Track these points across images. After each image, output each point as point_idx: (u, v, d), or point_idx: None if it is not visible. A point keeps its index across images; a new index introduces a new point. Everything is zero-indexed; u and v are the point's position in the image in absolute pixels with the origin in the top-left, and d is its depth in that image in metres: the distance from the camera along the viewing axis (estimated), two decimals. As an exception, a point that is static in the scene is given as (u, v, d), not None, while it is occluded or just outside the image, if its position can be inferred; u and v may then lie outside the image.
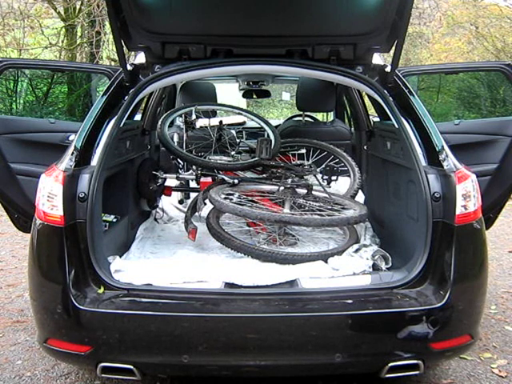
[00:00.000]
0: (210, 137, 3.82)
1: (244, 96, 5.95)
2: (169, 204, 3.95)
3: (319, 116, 5.85)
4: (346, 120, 4.85)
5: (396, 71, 2.82)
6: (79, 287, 2.28)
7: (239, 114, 4.20)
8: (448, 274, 2.30)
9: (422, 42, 16.85)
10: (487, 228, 3.08)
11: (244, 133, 4.42)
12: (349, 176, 3.77)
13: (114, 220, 3.00)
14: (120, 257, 2.72)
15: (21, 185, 3.37)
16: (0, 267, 4.72)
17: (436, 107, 5.01)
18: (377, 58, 2.96)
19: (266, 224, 3.11)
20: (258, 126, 4.11)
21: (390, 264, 2.72)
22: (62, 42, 10.90)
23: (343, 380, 2.76)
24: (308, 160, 3.85)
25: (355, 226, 3.19)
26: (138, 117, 3.76)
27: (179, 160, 3.89)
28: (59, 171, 2.35)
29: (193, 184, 3.74)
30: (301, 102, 4.30)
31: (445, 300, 2.25)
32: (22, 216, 3.47)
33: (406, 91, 2.79)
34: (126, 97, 2.72)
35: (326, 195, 3.35)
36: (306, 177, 3.62)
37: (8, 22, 10.00)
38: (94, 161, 2.45)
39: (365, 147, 3.85)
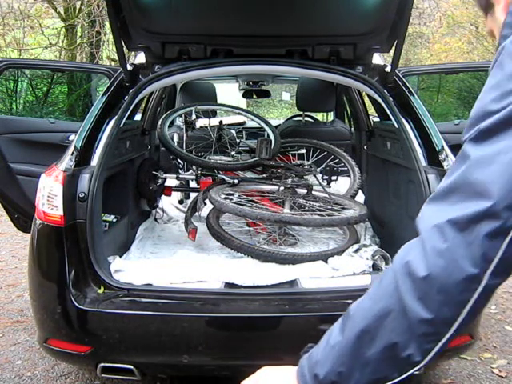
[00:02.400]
0: (209, 137, 3.82)
1: (244, 96, 5.96)
2: (169, 204, 3.95)
3: (319, 116, 5.85)
4: (346, 120, 4.85)
5: (396, 71, 2.82)
6: (79, 287, 2.28)
7: (239, 113, 4.21)
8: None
9: (422, 42, 16.88)
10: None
11: (244, 133, 4.42)
12: (349, 176, 3.76)
13: (114, 220, 3.00)
14: (120, 257, 2.72)
15: (21, 185, 3.37)
16: (0, 267, 4.73)
17: (436, 107, 5.01)
18: (377, 58, 2.96)
19: (266, 224, 3.11)
20: (257, 125, 4.12)
21: (390, 264, 2.71)
22: (62, 42, 10.91)
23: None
24: (308, 160, 3.84)
25: (355, 225, 3.19)
26: (138, 117, 3.76)
27: (179, 160, 3.89)
28: (59, 171, 2.34)
29: (193, 184, 3.74)
30: (301, 102, 4.30)
31: (445, 300, 2.24)
32: (22, 216, 3.47)
33: (406, 91, 2.78)
34: (126, 97, 2.72)
35: (326, 195, 3.35)
36: (306, 177, 3.63)
37: (8, 22, 10.01)
38: (94, 161, 2.45)
39: (365, 147, 3.85)
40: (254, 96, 5.92)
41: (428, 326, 0.78)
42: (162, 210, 3.80)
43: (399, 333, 0.79)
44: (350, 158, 3.82)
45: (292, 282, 2.45)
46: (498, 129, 0.74)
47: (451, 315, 0.78)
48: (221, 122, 3.97)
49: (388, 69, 2.85)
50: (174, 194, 3.80)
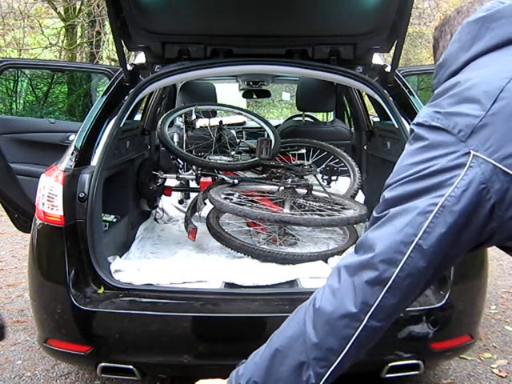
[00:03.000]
0: (210, 137, 3.83)
1: (244, 96, 5.96)
2: (169, 204, 3.95)
3: (319, 116, 5.85)
4: (346, 120, 4.85)
5: (396, 71, 2.82)
6: (79, 287, 2.28)
7: (239, 113, 4.21)
8: (448, 273, 2.29)
9: (422, 42, 16.85)
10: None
11: (244, 133, 4.42)
12: (349, 176, 3.76)
13: (114, 220, 3.00)
14: (120, 257, 2.72)
15: (21, 185, 3.37)
16: (0, 267, 4.73)
17: (436, 107, 5.00)
18: (377, 58, 2.96)
19: (266, 224, 3.11)
20: (258, 125, 4.12)
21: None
22: (62, 42, 10.91)
23: (343, 380, 2.76)
24: (308, 160, 3.85)
25: (355, 225, 3.19)
26: (138, 117, 3.76)
27: (179, 160, 3.89)
28: (59, 171, 2.34)
29: (193, 184, 3.74)
30: (301, 102, 4.30)
31: (445, 300, 2.25)
32: (22, 216, 3.47)
33: (406, 91, 2.78)
34: (126, 97, 2.72)
35: (326, 195, 3.35)
36: (305, 177, 3.62)
37: (8, 22, 10.02)
38: (94, 161, 2.45)
39: (365, 147, 3.85)
40: (254, 96, 5.93)
41: (317, 351, 0.90)
42: (162, 210, 3.81)
43: (303, 355, 0.91)
44: (350, 158, 3.82)
45: (292, 282, 2.46)
46: (394, 202, 0.88)
47: (337, 346, 0.89)
48: (221, 121, 3.97)
49: (388, 69, 2.85)
50: (173, 193, 3.80)
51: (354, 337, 0.88)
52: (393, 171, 0.91)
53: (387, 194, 0.90)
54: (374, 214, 0.92)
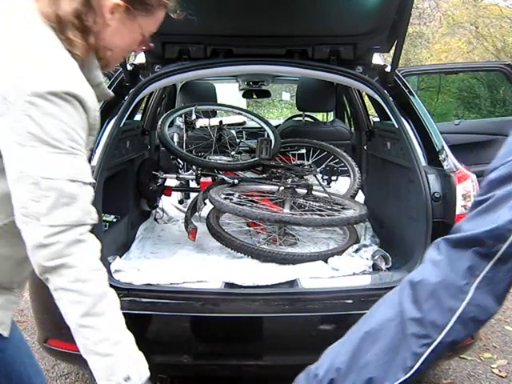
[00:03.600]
0: (210, 137, 3.83)
1: (244, 96, 5.97)
2: (169, 204, 3.95)
3: (319, 116, 5.85)
4: (346, 120, 4.85)
5: (396, 71, 2.82)
6: (79, 287, 2.28)
7: (239, 113, 4.21)
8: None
9: (422, 42, 16.88)
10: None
11: (244, 133, 4.43)
12: (349, 176, 3.76)
13: (114, 220, 2.99)
14: (120, 257, 2.72)
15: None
16: (0, 267, 4.72)
17: (436, 107, 5.02)
18: (377, 58, 2.96)
19: (266, 224, 3.11)
20: (258, 125, 4.12)
21: (390, 264, 2.71)
22: (62, 41, 10.90)
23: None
24: (308, 160, 3.85)
25: (355, 225, 3.19)
26: (138, 117, 3.76)
27: (179, 160, 3.89)
28: (59, 171, 2.34)
29: (193, 184, 3.74)
30: (301, 102, 4.30)
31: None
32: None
33: (406, 91, 2.79)
34: (126, 97, 2.72)
35: (326, 195, 3.35)
36: (305, 177, 3.63)
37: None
38: (94, 161, 2.44)
39: (365, 147, 3.85)
40: (254, 96, 5.94)
41: (418, 327, 0.85)
42: (162, 210, 3.80)
43: (398, 337, 0.86)
44: (350, 158, 3.82)
45: (292, 282, 2.45)
46: (500, 182, 0.85)
47: (440, 320, 0.84)
48: (221, 121, 3.97)
49: (388, 69, 2.85)
50: (173, 193, 3.80)
51: (460, 310, 0.84)
52: (496, 156, 0.89)
53: (492, 175, 0.87)
54: (477, 198, 0.89)
